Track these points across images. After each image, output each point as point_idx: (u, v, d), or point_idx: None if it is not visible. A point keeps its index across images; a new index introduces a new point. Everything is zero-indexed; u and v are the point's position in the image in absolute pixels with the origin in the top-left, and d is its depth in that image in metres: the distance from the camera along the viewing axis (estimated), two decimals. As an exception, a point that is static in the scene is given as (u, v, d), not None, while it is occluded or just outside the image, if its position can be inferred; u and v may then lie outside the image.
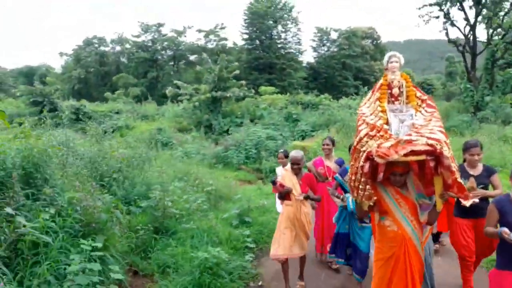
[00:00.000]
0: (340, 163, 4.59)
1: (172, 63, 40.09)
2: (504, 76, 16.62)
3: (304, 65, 42.46)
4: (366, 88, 34.97)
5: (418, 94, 3.11)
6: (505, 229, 2.53)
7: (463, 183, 3.03)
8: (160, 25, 38.04)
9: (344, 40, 42.03)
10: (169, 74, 38.61)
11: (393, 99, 3.09)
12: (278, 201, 4.63)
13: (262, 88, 22.96)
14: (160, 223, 4.88)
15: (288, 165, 4.22)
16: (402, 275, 2.89)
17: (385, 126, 2.87)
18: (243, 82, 18.22)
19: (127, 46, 39.69)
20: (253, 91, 19.66)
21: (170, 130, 15.00)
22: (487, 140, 11.81)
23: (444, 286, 4.04)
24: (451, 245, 4.04)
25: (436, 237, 5.00)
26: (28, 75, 41.12)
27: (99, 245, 3.09)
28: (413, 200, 2.93)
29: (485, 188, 3.75)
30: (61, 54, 41.24)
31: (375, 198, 2.90)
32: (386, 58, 3.31)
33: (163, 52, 39.25)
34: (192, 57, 40.87)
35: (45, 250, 2.98)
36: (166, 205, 4.99)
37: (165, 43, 37.98)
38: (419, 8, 17.15)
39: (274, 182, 4.08)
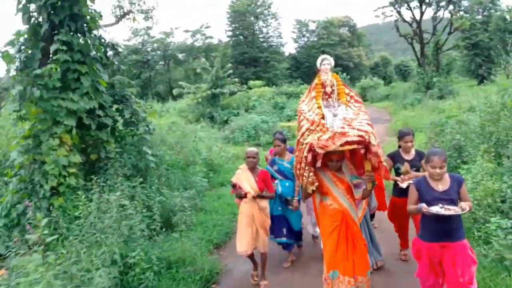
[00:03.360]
0: (291, 150, 5.03)
1: (163, 62, 43.78)
2: (448, 60, 21.23)
3: (286, 55, 46.73)
4: (344, 74, 39.66)
5: (347, 91, 3.74)
6: (424, 205, 2.94)
7: (400, 167, 3.95)
8: (148, 28, 41.66)
9: (322, 30, 46.42)
10: (160, 73, 42.39)
11: (326, 96, 3.66)
12: None
13: (252, 83, 27.15)
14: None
15: (242, 165, 4.46)
16: (346, 242, 3.44)
17: (322, 121, 3.42)
18: (236, 79, 22.43)
19: (119, 50, 43.11)
20: (245, 86, 23.83)
21: (181, 123, 19.18)
22: (428, 112, 16.23)
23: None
24: (389, 219, 4.76)
25: (372, 215, 5.56)
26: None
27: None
28: (348, 181, 3.53)
29: (418, 170, 4.21)
30: None
31: (317, 183, 3.45)
32: (319, 61, 3.85)
33: (153, 53, 42.89)
34: (180, 56, 44.64)
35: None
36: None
37: (155, 44, 41.61)
38: (375, 10, 21.62)
39: (233, 186, 4.22)
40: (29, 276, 2.99)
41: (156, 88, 41.64)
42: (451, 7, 28.92)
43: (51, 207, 5.30)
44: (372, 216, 5.50)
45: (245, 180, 4.24)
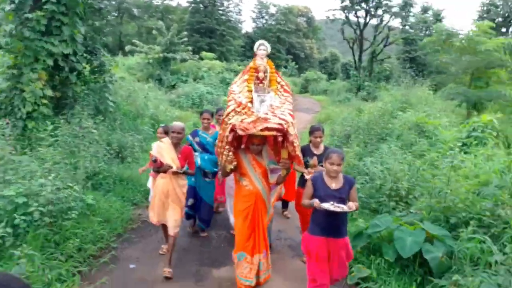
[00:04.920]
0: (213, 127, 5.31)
1: (116, 14, 42.99)
2: (380, 69, 24.48)
3: (243, 33, 48.15)
4: (293, 63, 42.12)
5: (278, 79, 3.94)
6: (316, 200, 3.19)
7: (308, 160, 4.18)
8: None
9: (281, 15, 48.34)
10: (112, 25, 41.65)
11: (258, 81, 3.83)
12: (150, 178, 5.15)
13: (204, 54, 28.52)
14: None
15: (166, 138, 4.31)
16: (255, 222, 3.76)
17: (249, 104, 3.63)
18: (190, 47, 23.75)
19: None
20: (196, 56, 25.21)
21: (129, 79, 20.26)
22: (350, 109, 19.09)
23: (279, 240, 5.23)
24: (295, 209, 4.94)
25: (285, 204, 6.20)
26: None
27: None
28: (265, 166, 3.82)
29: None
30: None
31: (235, 162, 3.71)
32: (256, 45, 3.99)
33: (107, 1, 41.91)
34: (136, 11, 44.13)
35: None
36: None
37: (111, -7, 40.70)
38: (326, 11, 24.06)
39: (155, 160, 4.02)
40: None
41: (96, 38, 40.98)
42: (398, 20, 32.49)
43: (25, 128, 6.82)
44: (286, 205, 6.15)
45: (167, 154, 4.13)
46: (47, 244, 3.71)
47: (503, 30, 32.90)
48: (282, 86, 3.95)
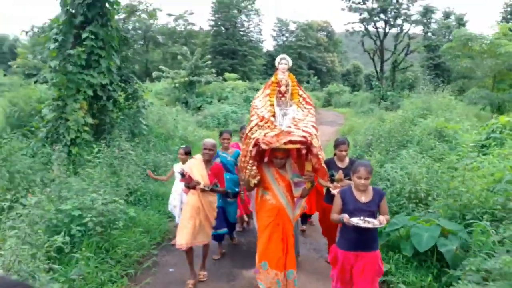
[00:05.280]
0: (235, 146, 5.42)
1: (142, 42, 45.12)
2: (402, 78, 24.55)
3: (264, 52, 49.26)
4: (315, 77, 42.55)
5: (300, 92, 4.00)
6: (345, 215, 3.16)
7: (334, 174, 4.12)
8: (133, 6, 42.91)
9: (301, 32, 49.18)
10: (138, 53, 43.74)
11: (280, 95, 3.90)
12: (171, 198, 5.50)
13: (227, 75, 29.51)
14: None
15: (198, 155, 4.44)
16: (279, 237, 3.69)
17: (272, 118, 3.67)
18: (213, 70, 24.76)
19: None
20: (220, 77, 26.15)
21: (157, 104, 21.31)
22: (373, 120, 19.25)
23: (306, 256, 5.18)
24: (319, 223, 5.01)
25: (304, 219, 6.08)
26: (-5, 44, 44.41)
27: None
28: (289, 180, 3.79)
29: (350, 179, 4.01)
30: (32, 26, 44.65)
31: (258, 177, 3.69)
32: (277, 60, 4.08)
33: (133, 32, 44.14)
34: (160, 38, 46.16)
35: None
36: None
37: (137, 23, 42.92)
38: (345, 24, 24.63)
39: (183, 174, 4.12)
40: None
41: (129, 68, 43.09)
42: (420, 27, 32.53)
43: (70, 153, 7.57)
44: (304, 219, 6.03)
45: (197, 171, 4.23)
46: (99, 251, 4.28)
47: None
48: (304, 98, 4.01)
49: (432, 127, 8.66)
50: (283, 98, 3.93)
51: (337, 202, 3.39)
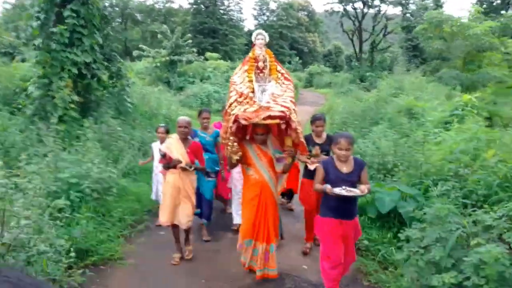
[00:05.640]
0: (218, 126, 5.31)
1: (120, 20, 44.26)
2: (381, 58, 25.23)
3: (245, 31, 49.11)
4: (297, 58, 42.83)
5: (279, 68, 4.04)
6: (328, 186, 3.28)
7: (311, 149, 4.16)
8: (108, -18, 41.86)
9: (282, 11, 49.16)
10: (117, 31, 42.99)
11: (258, 71, 3.92)
12: (153, 186, 5.53)
13: (208, 54, 29.55)
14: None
15: (174, 134, 4.40)
16: (262, 211, 3.79)
17: (251, 94, 3.72)
18: (194, 49, 24.80)
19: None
20: (202, 57, 26.23)
21: (139, 83, 21.36)
22: (352, 100, 19.94)
23: (289, 234, 5.02)
24: (299, 201, 5.03)
25: (290, 196, 6.21)
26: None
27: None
28: (270, 155, 3.86)
29: (328, 154, 4.38)
30: (4, 1, 43.12)
31: (240, 153, 3.74)
32: (254, 35, 4.11)
33: (110, 9, 43.18)
34: (139, 16, 45.39)
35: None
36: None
37: (113, 0, 42.00)
38: (324, 5, 24.92)
39: (163, 155, 4.18)
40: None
41: (111, 46, 42.40)
42: (399, 7, 33.12)
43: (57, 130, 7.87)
44: (291, 197, 6.15)
45: (175, 150, 4.23)
46: (96, 214, 4.72)
47: (503, 12, 33.26)
48: (282, 74, 4.02)
49: (402, 105, 9.30)
50: (261, 74, 3.95)
51: (320, 173, 3.48)
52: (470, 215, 3.31)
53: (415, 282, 3.13)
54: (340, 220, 3.43)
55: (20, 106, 8.45)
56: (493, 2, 32.57)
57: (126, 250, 4.51)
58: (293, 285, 3.99)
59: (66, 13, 8.17)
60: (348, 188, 3.30)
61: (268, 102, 3.68)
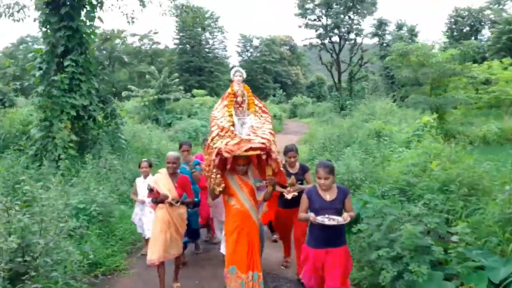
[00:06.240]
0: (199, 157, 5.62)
1: (107, 62, 45.81)
2: (359, 87, 26.79)
3: (230, 67, 51.07)
4: (281, 90, 44.47)
5: (256, 102, 4.28)
6: (312, 214, 3.35)
7: (287, 179, 4.24)
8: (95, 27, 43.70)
9: (265, 47, 51.47)
10: (106, 74, 44.42)
11: (237, 105, 4.16)
12: (135, 213, 5.56)
13: (195, 91, 30.89)
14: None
15: (163, 169, 4.53)
16: (245, 240, 3.87)
17: (231, 128, 3.89)
18: (181, 87, 26.07)
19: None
20: (188, 94, 27.47)
21: (129, 122, 22.33)
22: (333, 127, 21.13)
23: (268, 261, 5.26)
24: (274, 228, 5.48)
25: (272, 228, 6.09)
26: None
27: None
28: (251, 185, 4.01)
29: (301, 183, 4.69)
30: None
31: (223, 185, 3.87)
32: (232, 72, 4.38)
33: (97, 52, 44.83)
34: (126, 58, 47.04)
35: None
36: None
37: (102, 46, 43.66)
38: (302, 40, 26.77)
39: (151, 190, 4.26)
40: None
41: (106, 89, 43.71)
42: (375, 38, 35.30)
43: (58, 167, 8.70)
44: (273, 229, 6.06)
45: (163, 185, 4.34)
46: (101, 234, 5.51)
47: (473, 38, 35.70)
48: (260, 108, 4.23)
49: (372, 129, 10.37)
50: (240, 108, 4.16)
51: (304, 202, 3.59)
52: (403, 208, 4.22)
53: (362, 259, 3.99)
54: (326, 249, 3.48)
55: (21, 148, 9.28)
56: (462, 29, 35.03)
57: (129, 262, 5.28)
58: (274, 284, 4.74)
59: (66, 62, 9.21)
60: (330, 217, 3.38)
61: (249, 135, 3.85)
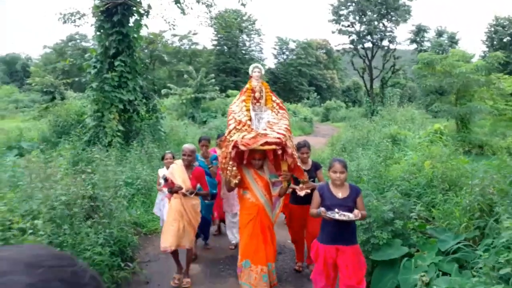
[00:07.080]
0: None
1: (148, 61, 48.34)
2: (390, 93, 27.31)
3: (265, 69, 52.36)
4: (315, 94, 45.27)
5: (274, 98, 4.40)
6: (323, 209, 3.35)
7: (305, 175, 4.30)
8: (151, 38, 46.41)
9: (301, 50, 52.38)
10: (148, 73, 46.98)
11: (255, 101, 4.26)
12: (156, 204, 5.85)
13: (230, 92, 32.41)
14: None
15: (179, 160, 4.65)
16: (259, 233, 3.95)
17: (248, 122, 3.98)
18: (217, 87, 27.67)
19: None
20: (223, 94, 29.01)
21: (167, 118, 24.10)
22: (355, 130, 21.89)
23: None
24: (286, 225, 5.45)
25: None
26: (10, 63, 47.94)
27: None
28: (267, 179, 4.07)
29: (314, 180, 4.71)
30: (44, 46, 48.26)
31: (239, 177, 3.96)
32: (251, 68, 4.47)
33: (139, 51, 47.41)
34: (166, 57, 49.40)
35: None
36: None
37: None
38: (336, 46, 27.60)
39: (166, 180, 4.44)
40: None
41: (149, 87, 46.34)
42: (413, 45, 35.50)
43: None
44: None
45: (178, 176, 4.45)
46: (144, 202, 6.89)
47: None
48: (277, 104, 4.35)
49: (388, 133, 11.28)
50: (257, 104, 4.27)
51: (316, 198, 3.61)
52: (381, 194, 5.27)
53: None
54: (336, 246, 3.50)
55: (78, 134, 10.94)
56: (502, 39, 34.51)
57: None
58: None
59: (117, 62, 10.79)
60: (341, 212, 3.40)
61: (265, 130, 3.96)
